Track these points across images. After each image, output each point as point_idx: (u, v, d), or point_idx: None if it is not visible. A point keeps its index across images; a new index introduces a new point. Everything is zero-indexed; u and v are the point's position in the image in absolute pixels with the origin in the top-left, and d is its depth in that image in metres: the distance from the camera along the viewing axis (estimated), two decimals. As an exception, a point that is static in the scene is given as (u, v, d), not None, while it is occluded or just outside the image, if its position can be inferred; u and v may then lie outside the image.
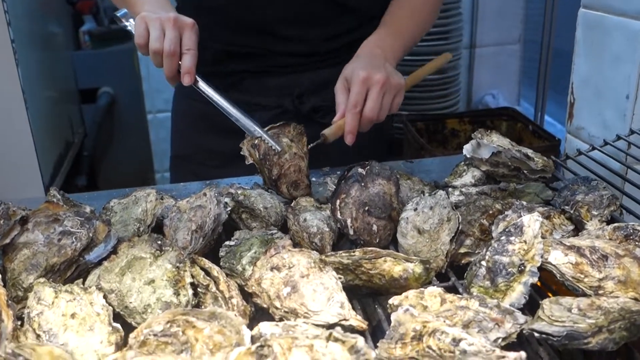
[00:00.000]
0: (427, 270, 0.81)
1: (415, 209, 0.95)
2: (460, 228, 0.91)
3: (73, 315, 0.74)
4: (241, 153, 1.13)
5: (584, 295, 0.78)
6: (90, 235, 0.85)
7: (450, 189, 1.06)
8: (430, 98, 2.61)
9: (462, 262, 0.91)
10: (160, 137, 2.98)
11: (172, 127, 1.60)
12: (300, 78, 1.41)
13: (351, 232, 0.94)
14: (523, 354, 0.63)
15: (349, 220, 0.94)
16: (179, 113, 1.57)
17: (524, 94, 3.27)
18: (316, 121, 1.40)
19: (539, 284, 0.89)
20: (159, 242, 0.85)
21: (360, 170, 0.98)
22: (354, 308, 0.77)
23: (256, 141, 1.12)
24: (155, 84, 2.90)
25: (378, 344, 0.69)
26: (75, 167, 3.09)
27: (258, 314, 0.79)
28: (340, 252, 0.84)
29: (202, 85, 1.15)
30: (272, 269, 0.80)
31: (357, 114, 1.15)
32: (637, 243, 0.84)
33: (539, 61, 2.70)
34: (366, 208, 0.94)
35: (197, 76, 1.13)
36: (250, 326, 0.71)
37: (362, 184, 0.96)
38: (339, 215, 0.95)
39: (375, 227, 0.94)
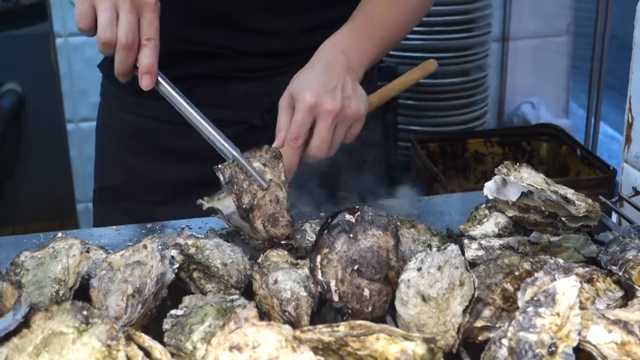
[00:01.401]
0: (431, 351, 0.85)
1: (419, 269, 1.00)
2: (476, 295, 0.95)
3: (-28, 409, 0.77)
4: (197, 203, 1.19)
5: (631, 384, 0.82)
6: (-5, 301, 0.89)
7: (466, 241, 1.11)
8: (447, 109, 2.65)
9: (479, 338, 0.95)
10: (84, 155, 3.01)
11: (97, 149, 1.63)
12: (271, 85, 1.44)
13: (336, 297, 0.98)
14: None
15: (332, 283, 0.99)
16: (107, 129, 1.59)
17: (575, 100, 3.34)
18: None
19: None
20: (85, 312, 0.87)
21: (348, 217, 1.03)
22: (337, 400, 0.82)
23: (221, 165, 1.17)
24: (78, 83, 2.92)
25: None
26: (-33, 193, 3.11)
27: (212, 407, 0.83)
28: (321, 326, 0.87)
29: (166, 89, 1.18)
30: (231, 348, 0.82)
31: (298, 149, 1.24)
32: (701, 317, 0.89)
33: (592, 58, 2.76)
34: (355, 267, 0.99)
35: (159, 76, 1.16)
36: None
37: (351, 236, 1.01)
38: (320, 276, 0.99)
39: (367, 292, 0.98)
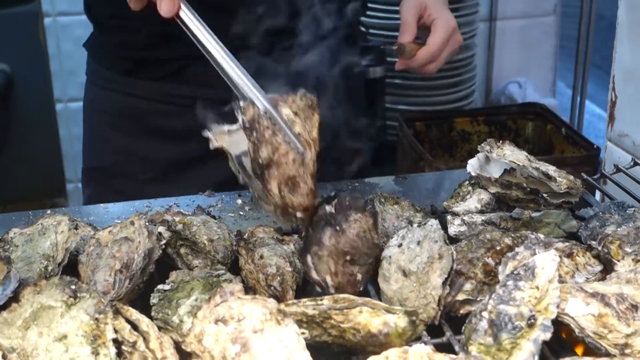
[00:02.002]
0: (413, 323, 0.87)
1: (400, 245, 1.01)
2: (455, 267, 0.97)
3: (-38, 381, 0.79)
4: (204, 134, 1.02)
5: (607, 355, 0.84)
6: (-16, 276, 0.89)
7: (449, 217, 1.13)
8: (434, 88, 2.66)
9: (461, 312, 0.98)
10: (73, 134, 3.01)
11: (86, 129, 1.63)
12: (264, 62, 1.42)
13: (332, 290, 0.98)
14: None
15: (328, 279, 0.98)
16: (95, 109, 1.59)
17: (562, 80, 3.35)
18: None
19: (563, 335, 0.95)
20: (73, 287, 0.89)
21: (328, 208, 1.01)
22: (320, 371, 0.83)
23: (243, 103, 0.97)
24: (67, 63, 2.92)
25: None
26: (-44, 173, 3.10)
27: (199, 378, 0.84)
28: (305, 300, 0.89)
29: (189, 19, 0.99)
30: (217, 321, 0.84)
31: (430, 62, 1.42)
32: (676, 290, 0.91)
33: (578, 38, 2.77)
34: (347, 258, 0.98)
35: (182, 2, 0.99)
36: (188, 395, 0.76)
37: (337, 228, 0.99)
38: (315, 276, 0.98)
39: (359, 277, 0.99)
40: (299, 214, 0.97)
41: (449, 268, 0.96)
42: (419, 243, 1.00)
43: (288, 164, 0.95)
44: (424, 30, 1.47)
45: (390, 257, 1.01)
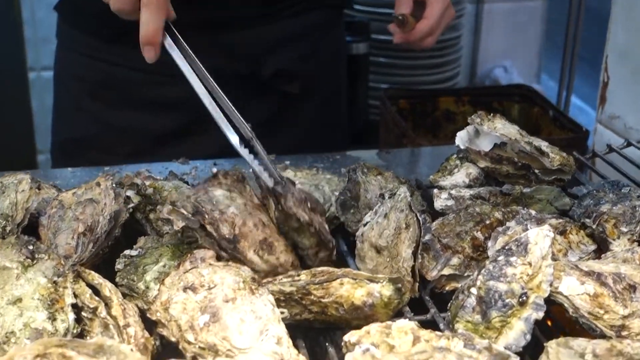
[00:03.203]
0: (399, 291, 0.84)
1: (370, 221, 0.98)
2: (424, 236, 0.92)
3: None
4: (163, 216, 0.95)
5: (603, 336, 0.81)
6: None
7: (435, 191, 1.09)
8: (418, 67, 2.65)
9: (446, 288, 0.94)
10: (46, 104, 2.94)
11: (59, 97, 1.57)
12: (261, 32, 1.44)
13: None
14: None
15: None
16: (71, 77, 1.53)
17: (546, 68, 3.35)
18: (278, 89, 1.45)
19: (549, 322, 0.92)
20: (31, 247, 0.85)
21: None
22: (296, 346, 0.79)
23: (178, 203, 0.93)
24: (41, 31, 2.88)
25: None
26: None
27: (164, 350, 0.80)
28: (280, 277, 0.86)
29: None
30: (185, 288, 0.81)
31: (428, 35, 1.41)
32: (675, 270, 0.87)
33: (567, 24, 2.77)
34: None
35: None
36: (152, 366, 0.71)
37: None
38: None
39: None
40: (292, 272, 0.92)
41: (417, 236, 0.92)
42: (386, 215, 0.97)
43: (253, 232, 0.92)
44: (415, 5, 1.43)
45: (362, 235, 0.98)
